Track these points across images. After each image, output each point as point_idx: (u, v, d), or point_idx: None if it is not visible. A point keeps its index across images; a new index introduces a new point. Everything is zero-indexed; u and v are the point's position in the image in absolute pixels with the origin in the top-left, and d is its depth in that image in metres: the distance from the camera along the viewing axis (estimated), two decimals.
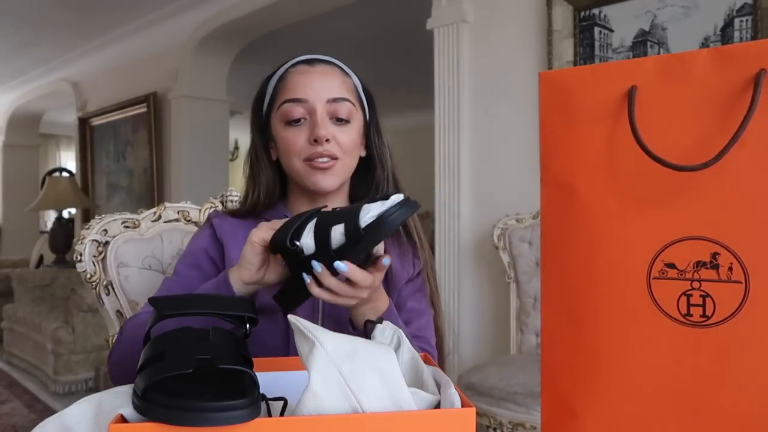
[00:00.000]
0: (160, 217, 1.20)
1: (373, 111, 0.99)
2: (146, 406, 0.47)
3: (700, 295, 0.56)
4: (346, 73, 0.96)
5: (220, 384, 0.50)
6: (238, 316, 0.62)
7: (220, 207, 1.24)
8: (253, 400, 0.48)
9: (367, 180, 1.00)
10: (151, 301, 0.61)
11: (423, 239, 1.00)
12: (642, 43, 2.22)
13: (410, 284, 0.98)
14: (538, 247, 1.48)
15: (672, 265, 0.57)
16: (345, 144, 0.91)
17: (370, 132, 0.98)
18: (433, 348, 0.95)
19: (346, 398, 0.49)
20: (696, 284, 0.56)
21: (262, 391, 0.50)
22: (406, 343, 0.62)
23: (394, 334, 0.63)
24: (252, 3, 3.65)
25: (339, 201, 0.97)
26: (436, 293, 1.02)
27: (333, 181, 0.92)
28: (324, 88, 0.91)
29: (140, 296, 1.12)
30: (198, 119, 4.29)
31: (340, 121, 0.91)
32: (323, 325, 0.55)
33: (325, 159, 0.89)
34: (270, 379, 0.62)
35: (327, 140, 0.89)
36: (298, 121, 0.90)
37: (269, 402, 0.53)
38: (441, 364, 1.02)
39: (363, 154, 0.98)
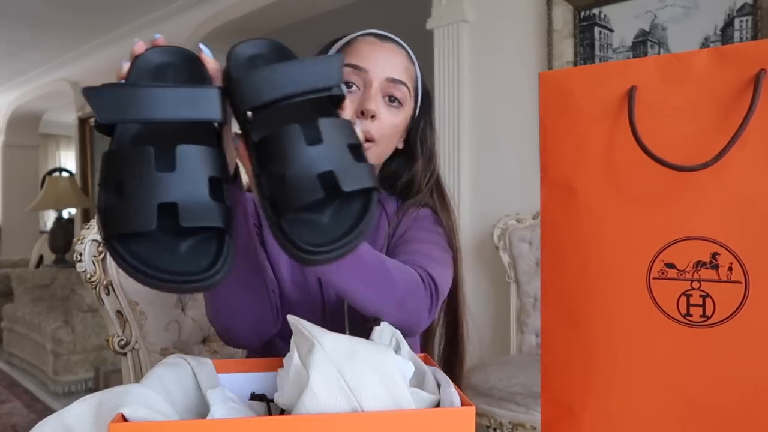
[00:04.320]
0: None
1: (428, 107, 0.98)
2: (112, 254, 0.47)
3: (700, 295, 0.56)
4: (412, 61, 0.94)
5: (184, 240, 0.49)
6: (206, 124, 0.54)
7: None
8: (216, 267, 0.48)
9: (399, 172, 0.98)
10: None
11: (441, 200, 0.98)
12: (642, 43, 2.22)
13: (402, 238, 0.92)
14: (538, 247, 1.48)
15: (672, 265, 0.57)
16: (387, 125, 0.89)
17: (419, 127, 0.97)
18: (424, 271, 0.82)
19: (345, 398, 0.49)
20: (696, 284, 0.56)
21: (263, 391, 0.50)
22: (405, 345, 0.62)
23: (392, 335, 0.63)
24: (252, 3, 3.65)
25: None
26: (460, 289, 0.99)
27: None
28: (387, 65, 0.89)
29: (140, 296, 1.12)
30: None
31: (392, 101, 0.89)
32: (327, 326, 0.55)
33: (365, 141, 0.87)
34: (271, 379, 0.63)
35: (372, 116, 0.87)
36: (350, 86, 0.88)
37: (269, 402, 0.53)
38: (460, 370, 1.00)
39: (400, 146, 0.96)
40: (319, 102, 0.59)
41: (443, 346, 0.99)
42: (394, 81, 0.89)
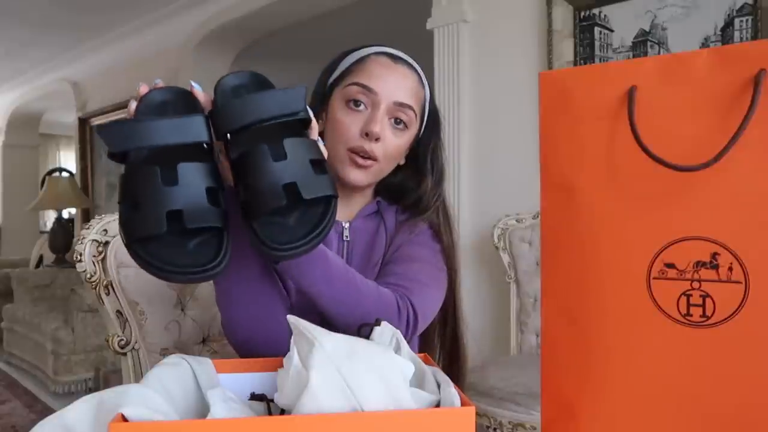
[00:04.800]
0: None
1: (436, 127, 0.99)
2: (133, 256, 0.60)
3: (700, 295, 0.56)
4: (422, 84, 0.95)
5: (191, 240, 0.61)
6: (198, 146, 0.66)
7: None
8: (217, 261, 0.60)
9: (404, 186, 0.99)
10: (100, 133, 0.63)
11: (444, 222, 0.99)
12: (642, 43, 2.22)
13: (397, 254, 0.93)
14: (538, 247, 1.48)
15: (672, 265, 0.57)
16: (391, 147, 0.91)
17: (429, 146, 0.98)
18: (405, 299, 0.84)
19: (345, 398, 0.49)
20: (696, 284, 0.56)
21: (263, 391, 0.50)
22: (405, 345, 0.62)
23: (393, 335, 0.63)
24: (252, 3, 3.64)
25: (362, 197, 0.97)
26: (457, 286, 0.99)
27: (363, 179, 0.91)
28: (397, 89, 0.90)
29: (140, 296, 1.12)
30: None
31: (398, 123, 0.91)
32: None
33: (367, 159, 0.89)
34: (270, 379, 0.63)
35: (377, 139, 0.88)
36: (358, 104, 0.90)
37: (269, 402, 0.53)
38: (462, 373, 1.00)
39: (402, 162, 0.98)
40: (289, 125, 0.69)
41: (442, 366, 0.99)
42: (401, 105, 0.90)
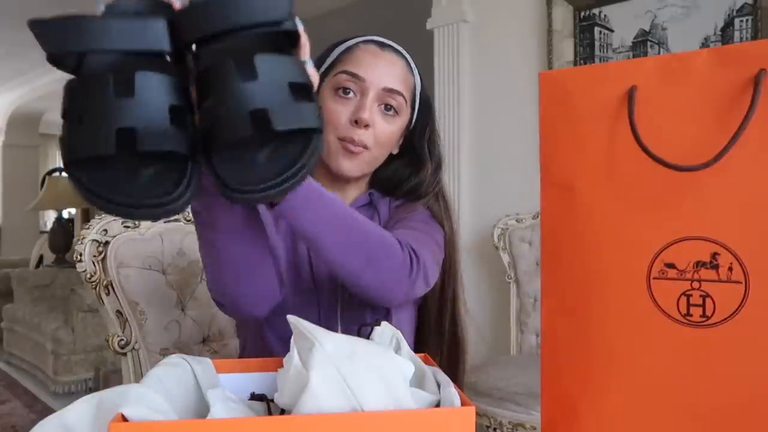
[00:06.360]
0: None
1: (429, 114, 0.99)
2: (73, 182, 0.48)
3: (700, 295, 0.56)
4: (411, 70, 0.95)
5: (147, 167, 0.49)
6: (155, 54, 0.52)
7: None
8: (178, 191, 0.48)
9: (399, 176, 0.98)
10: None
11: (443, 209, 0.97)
12: (642, 43, 2.22)
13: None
14: (538, 247, 1.48)
15: (672, 265, 0.57)
16: (381, 134, 0.90)
17: (425, 133, 0.98)
18: (404, 241, 0.80)
19: (345, 398, 0.49)
20: (696, 284, 0.56)
21: (263, 391, 0.50)
22: (405, 345, 0.62)
23: (393, 335, 0.63)
24: None
25: (357, 189, 0.97)
26: (460, 285, 0.98)
27: (356, 168, 0.91)
28: (385, 75, 0.90)
29: (140, 296, 1.12)
30: None
31: (388, 109, 0.91)
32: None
33: (357, 146, 0.89)
34: (270, 379, 0.63)
35: (366, 126, 0.88)
36: (347, 92, 0.89)
37: (269, 402, 0.53)
38: (461, 372, 1.00)
39: (395, 152, 0.97)
40: (271, 38, 0.56)
41: (441, 361, 0.98)
42: (390, 91, 0.90)
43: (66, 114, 0.50)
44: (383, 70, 0.90)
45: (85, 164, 0.48)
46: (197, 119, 0.53)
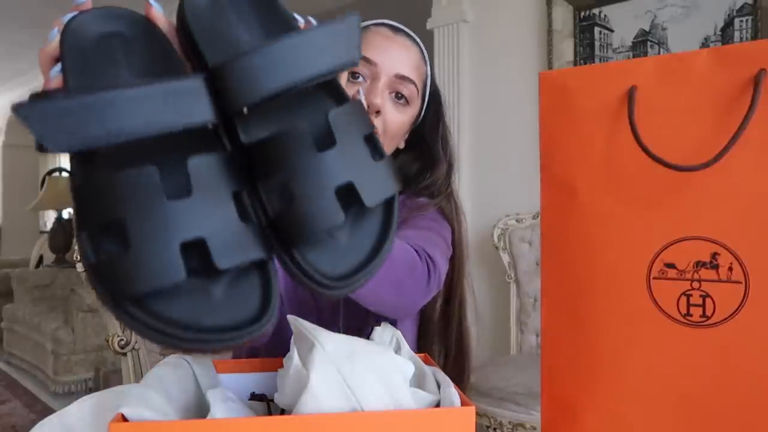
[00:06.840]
0: None
1: (441, 111, 0.94)
2: (129, 322, 0.35)
3: (700, 295, 0.56)
4: (424, 59, 0.90)
5: (215, 282, 0.37)
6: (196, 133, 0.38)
7: None
8: (264, 314, 0.36)
9: (405, 171, 0.92)
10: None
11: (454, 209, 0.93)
12: (642, 43, 2.22)
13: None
14: (538, 247, 1.48)
15: (672, 265, 0.57)
16: (392, 123, 0.84)
17: (438, 128, 0.93)
18: (419, 248, 0.75)
19: (345, 398, 0.49)
20: (696, 284, 0.56)
21: (263, 391, 0.50)
22: (405, 345, 0.62)
23: (393, 335, 0.63)
24: None
25: None
26: (468, 286, 0.95)
27: None
28: (398, 60, 0.85)
29: None
30: None
31: (399, 98, 0.85)
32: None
33: None
34: (270, 379, 0.63)
35: (377, 111, 0.82)
36: (356, 76, 0.84)
37: (269, 402, 0.53)
38: (467, 361, 0.96)
39: (401, 146, 0.92)
40: (324, 85, 0.44)
41: (445, 360, 0.94)
42: (402, 78, 0.85)
43: (89, 228, 0.35)
44: (396, 56, 0.85)
45: (142, 297, 0.35)
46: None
